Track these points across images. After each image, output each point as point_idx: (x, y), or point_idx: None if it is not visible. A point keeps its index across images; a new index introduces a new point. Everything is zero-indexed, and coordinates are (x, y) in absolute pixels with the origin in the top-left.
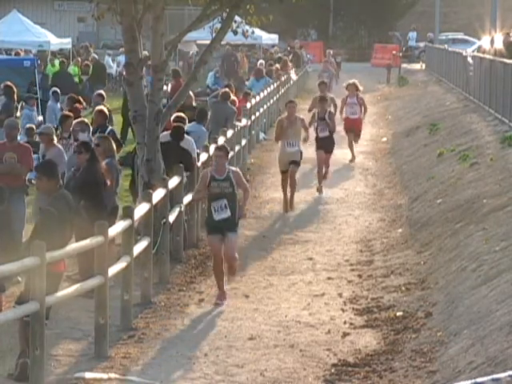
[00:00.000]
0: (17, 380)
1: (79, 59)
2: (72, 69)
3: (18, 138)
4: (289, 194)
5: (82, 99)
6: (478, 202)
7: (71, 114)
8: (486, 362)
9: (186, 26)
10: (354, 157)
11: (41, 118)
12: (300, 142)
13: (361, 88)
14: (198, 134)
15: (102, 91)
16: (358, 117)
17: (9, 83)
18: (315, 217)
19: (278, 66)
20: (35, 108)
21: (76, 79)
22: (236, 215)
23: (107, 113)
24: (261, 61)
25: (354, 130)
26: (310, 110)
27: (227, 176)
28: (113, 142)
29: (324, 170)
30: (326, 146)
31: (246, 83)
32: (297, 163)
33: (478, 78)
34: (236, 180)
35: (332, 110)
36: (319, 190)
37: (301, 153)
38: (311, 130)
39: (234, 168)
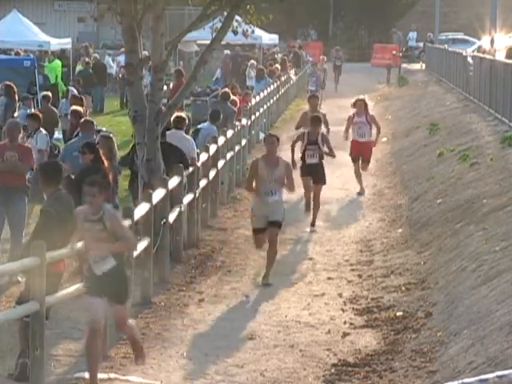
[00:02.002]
0: (17, 380)
1: (86, 59)
2: (78, 69)
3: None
4: (265, 271)
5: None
6: (478, 202)
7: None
8: (485, 361)
9: (186, 26)
10: (362, 189)
11: None
12: (282, 191)
13: (370, 104)
14: (209, 132)
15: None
16: (368, 140)
17: (9, 83)
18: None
19: (277, 66)
20: (32, 108)
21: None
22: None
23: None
24: (252, 61)
25: (362, 155)
26: (297, 128)
27: None
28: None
29: (312, 206)
30: (314, 174)
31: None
32: (278, 225)
33: (478, 78)
34: None
35: (324, 130)
36: (312, 225)
37: (283, 208)
38: (296, 156)
39: None
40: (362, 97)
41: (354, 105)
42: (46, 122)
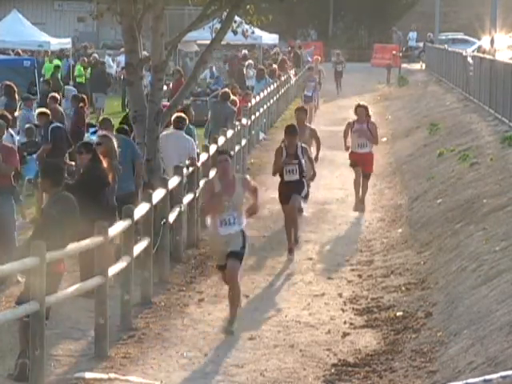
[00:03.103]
0: (16, 380)
1: (85, 59)
2: (77, 69)
3: (17, 138)
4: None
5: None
6: (478, 202)
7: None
8: (485, 361)
9: (186, 26)
10: (361, 203)
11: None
12: (243, 216)
13: (371, 112)
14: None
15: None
16: (369, 151)
17: (9, 83)
18: (315, 217)
19: (275, 66)
20: (32, 109)
21: (81, 79)
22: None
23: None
24: (249, 61)
25: (363, 168)
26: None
27: None
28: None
29: (293, 231)
30: (294, 192)
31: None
32: (238, 256)
33: (478, 78)
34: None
35: (312, 151)
36: (290, 251)
37: (244, 236)
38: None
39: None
40: (362, 103)
41: (355, 111)
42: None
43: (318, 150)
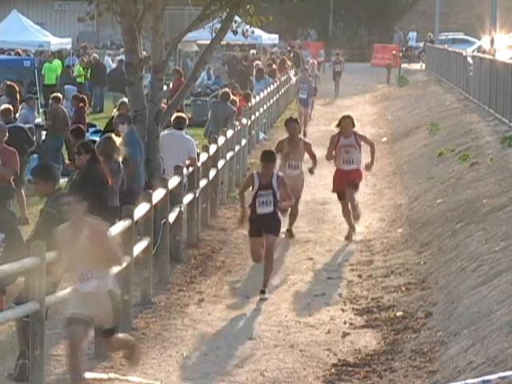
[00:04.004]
0: (16, 380)
1: (84, 59)
2: (77, 69)
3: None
4: None
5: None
6: (478, 202)
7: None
8: (485, 361)
9: (186, 26)
10: (353, 228)
11: (39, 119)
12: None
13: (357, 124)
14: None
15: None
16: (357, 167)
17: (11, 83)
18: (315, 217)
19: (274, 66)
20: (35, 109)
21: (81, 79)
22: None
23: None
24: (257, 62)
25: (350, 183)
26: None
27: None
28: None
29: (265, 270)
30: (266, 226)
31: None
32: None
33: (478, 78)
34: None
35: (305, 167)
36: (262, 293)
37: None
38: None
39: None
40: (347, 113)
41: (339, 123)
42: (57, 121)
43: (314, 165)
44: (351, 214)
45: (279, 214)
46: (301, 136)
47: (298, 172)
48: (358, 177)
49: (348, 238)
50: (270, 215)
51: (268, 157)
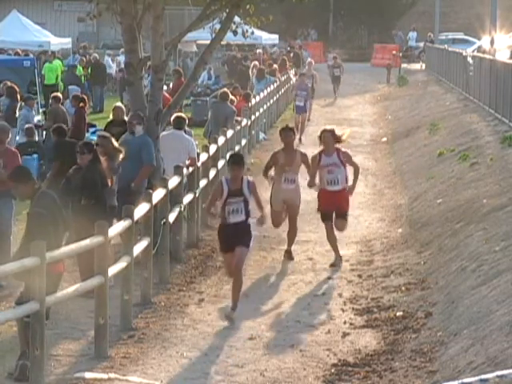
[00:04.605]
0: (16, 380)
1: (84, 59)
2: (77, 69)
3: (17, 138)
4: None
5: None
6: (478, 202)
7: None
8: (485, 361)
9: (186, 26)
10: (339, 257)
11: (38, 118)
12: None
13: (344, 137)
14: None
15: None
16: (343, 188)
17: (11, 84)
18: (315, 217)
19: (275, 66)
20: (34, 109)
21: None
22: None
23: None
24: (255, 62)
25: (336, 209)
26: (267, 174)
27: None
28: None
29: (233, 288)
30: (236, 237)
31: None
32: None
33: (478, 77)
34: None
35: (300, 178)
36: (228, 318)
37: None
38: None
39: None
40: (329, 127)
41: (320, 137)
42: (57, 121)
43: (311, 176)
44: (336, 240)
45: (251, 223)
46: (296, 147)
47: (295, 186)
48: (345, 201)
49: (334, 264)
50: (241, 225)
51: (235, 159)
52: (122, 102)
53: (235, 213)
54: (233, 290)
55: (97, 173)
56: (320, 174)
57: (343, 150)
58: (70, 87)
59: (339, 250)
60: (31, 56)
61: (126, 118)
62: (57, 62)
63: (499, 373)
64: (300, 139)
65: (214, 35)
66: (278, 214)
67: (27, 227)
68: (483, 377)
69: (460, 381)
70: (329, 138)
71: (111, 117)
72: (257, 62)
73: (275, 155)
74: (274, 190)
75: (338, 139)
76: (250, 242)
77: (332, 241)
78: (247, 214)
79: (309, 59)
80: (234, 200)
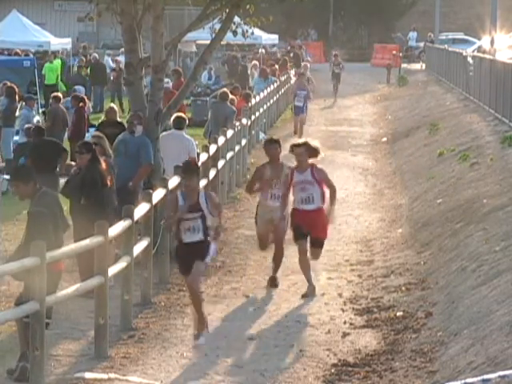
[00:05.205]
0: (17, 381)
1: (83, 59)
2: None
3: (17, 138)
4: None
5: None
6: (478, 202)
7: None
8: (485, 361)
9: (186, 26)
10: (311, 286)
11: (38, 117)
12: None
13: (322, 154)
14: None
15: None
16: (318, 207)
17: (10, 84)
18: None
19: (276, 66)
20: (34, 108)
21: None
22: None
23: None
24: (254, 62)
25: (311, 232)
26: (251, 189)
27: None
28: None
29: (193, 314)
30: (193, 258)
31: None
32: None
33: (478, 78)
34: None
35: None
36: (196, 337)
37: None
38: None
39: None
40: (301, 141)
41: (292, 150)
42: (57, 121)
43: (284, 196)
44: (309, 267)
45: (211, 243)
46: (282, 160)
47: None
48: (321, 225)
49: (306, 295)
50: (198, 245)
51: (188, 169)
52: (114, 102)
53: (192, 231)
54: (194, 316)
55: (96, 172)
56: (293, 191)
57: (319, 166)
58: (76, 87)
59: (311, 278)
60: (31, 56)
61: (119, 120)
62: (57, 62)
63: (501, 373)
64: None
65: (213, 35)
66: (264, 236)
67: (27, 226)
68: (485, 377)
69: (462, 381)
70: (301, 154)
71: (103, 117)
72: (256, 62)
73: (260, 169)
74: (259, 209)
75: (313, 154)
76: (208, 258)
77: (304, 266)
78: (205, 233)
79: (303, 63)
80: (191, 216)
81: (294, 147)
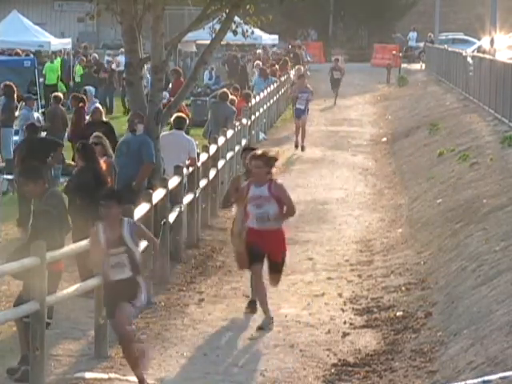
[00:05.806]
0: (17, 381)
1: (84, 59)
2: (77, 69)
3: (16, 138)
4: None
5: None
6: (478, 202)
7: None
8: (485, 361)
9: (186, 26)
10: (269, 317)
11: (36, 115)
12: None
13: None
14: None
15: None
16: (275, 227)
17: (9, 83)
18: (315, 217)
19: (276, 66)
20: (34, 108)
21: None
22: None
23: None
24: (257, 62)
25: (269, 255)
26: (226, 204)
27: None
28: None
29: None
30: (123, 299)
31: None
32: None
33: (478, 77)
34: None
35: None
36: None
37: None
38: None
39: None
40: (259, 152)
41: (248, 159)
42: (56, 122)
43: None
44: (266, 295)
45: (140, 280)
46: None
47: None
48: (279, 246)
49: (262, 327)
50: (126, 283)
51: (108, 195)
52: (105, 103)
53: (117, 267)
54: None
55: (95, 172)
56: (249, 207)
57: (279, 182)
58: (87, 88)
59: (268, 309)
60: (31, 56)
61: (105, 119)
62: (58, 62)
63: (502, 374)
64: (302, 147)
65: (213, 35)
66: (241, 254)
67: (33, 225)
68: (486, 378)
69: (463, 383)
70: (259, 166)
71: (88, 118)
72: (260, 62)
73: (236, 181)
74: (234, 226)
75: (272, 164)
76: (138, 302)
77: (260, 293)
78: (135, 269)
79: (297, 66)
80: (115, 251)
81: (251, 159)
